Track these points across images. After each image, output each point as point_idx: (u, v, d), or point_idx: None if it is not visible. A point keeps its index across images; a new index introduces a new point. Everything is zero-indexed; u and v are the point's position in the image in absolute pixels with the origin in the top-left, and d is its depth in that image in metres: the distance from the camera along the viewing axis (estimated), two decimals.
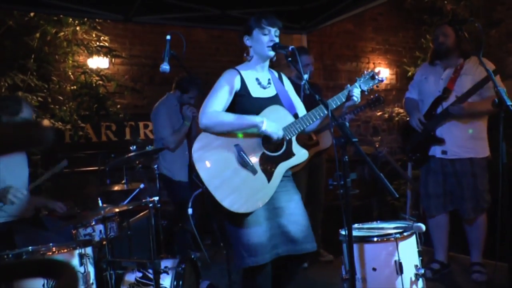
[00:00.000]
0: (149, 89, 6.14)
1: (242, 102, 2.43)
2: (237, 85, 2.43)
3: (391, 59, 8.09)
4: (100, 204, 3.01)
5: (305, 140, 3.94)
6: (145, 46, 6.18)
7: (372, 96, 3.97)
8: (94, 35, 5.52)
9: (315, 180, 4.13)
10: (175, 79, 4.23)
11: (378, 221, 2.85)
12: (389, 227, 2.66)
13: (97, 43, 5.56)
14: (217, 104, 2.37)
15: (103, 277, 2.88)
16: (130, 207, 3.13)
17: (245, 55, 2.51)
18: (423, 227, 2.54)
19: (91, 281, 2.78)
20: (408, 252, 2.48)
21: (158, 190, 3.59)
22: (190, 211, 2.48)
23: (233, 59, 6.24)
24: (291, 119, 2.44)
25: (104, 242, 3.06)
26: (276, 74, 2.61)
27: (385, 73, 7.81)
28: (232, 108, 2.43)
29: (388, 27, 8.09)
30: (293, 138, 2.45)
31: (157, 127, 4.15)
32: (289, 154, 2.43)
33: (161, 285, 2.75)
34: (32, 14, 4.93)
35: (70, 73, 5.47)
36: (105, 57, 5.60)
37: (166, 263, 2.82)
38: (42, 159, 4.87)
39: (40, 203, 3.44)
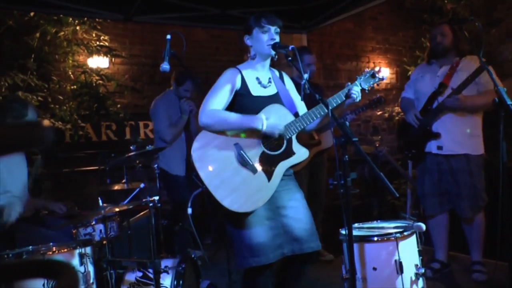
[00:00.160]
0: (149, 89, 6.14)
1: (242, 101, 2.43)
2: (238, 84, 2.43)
3: (391, 58, 8.09)
4: (100, 204, 3.01)
5: (307, 139, 3.94)
6: (145, 46, 6.18)
7: (373, 97, 4.02)
8: (94, 35, 5.53)
9: (316, 179, 4.14)
10: (172, 74, 4.26)
11: (378, 221, 2.85)
12: (389, 226, 2.66)
13: (97, 43, 5.56)
14: (217, 103, 2.37)
15: (103, 277, 2.88)
16: (130, 207, 3.13)
17: (248, 55, 2.51)
18: (423, 226, 2.53)
19: (91, 281, 2.78)
20: (408, 251, 2.48)
21: (158, 190, 3.58)
22: (189, 210, 2.47)
23: (233, 58, 6.24)
24: (291, 118, 2.43)
25: (104, 242, 3.05)
26: (277, 73, 2.60)
27: (385, 72, 7.81)
28: (232, 106, 2.43)
29: (388, 26, 8.09)
30: (294, 137, 2.44)
31: (155, 121, 4.23)
32: (289, 153, 2.42)
33: (161, 285, 2.75)
34: (32, 13, 4.93)
35: (70, 73, 5.48)
36: (105, 57, 5.61)
37: (166, 262, 2.81)
38: (42, 159, 4.87)
39: (40, 204, 3.44)
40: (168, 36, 2.45)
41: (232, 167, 2.32)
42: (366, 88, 2.46)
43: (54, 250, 2.66)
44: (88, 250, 2.80)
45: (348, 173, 2.04)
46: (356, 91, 2.39)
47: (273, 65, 2.58)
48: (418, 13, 7.05)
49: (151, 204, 2.87)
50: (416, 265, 2.49)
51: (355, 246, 2.42)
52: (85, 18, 5.23)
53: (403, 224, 2.66)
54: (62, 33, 5.21)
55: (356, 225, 2.77)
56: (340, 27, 7.54)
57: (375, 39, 8.04)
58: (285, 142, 2.41)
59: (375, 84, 2.50)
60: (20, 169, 3.25)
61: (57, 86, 5.36)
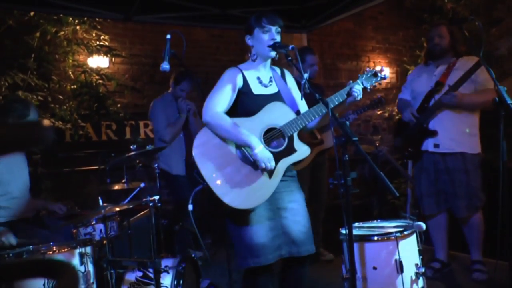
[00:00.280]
0: (149, 88, 6.13)
1: (244, 100, 2.43)
2: (240, 83, 2.43)
3: (391, 58, 8.09)
4: (101, 203, 3.00)
5: (309, 138, 3.95)
6: (145, 45, 6.17)
7: (374, 97, 4.05)
8: (94, 34, 5.52)
9: (318, 179, 4.14)
10: (173, 73, 4.28)
11: (379, 220, 2.85)
12: (390, 226, 2.66)
13: (97, 42, 5.56)
14: (221, 102, 2.37)
15: (104, 277, 2.88)
16: (131, 206, 3.13)
17: (248, 54, 2.50)
18: (424, 226, 2.54)
19: (91, 281, 2.78)
20: (409, 251, 2.48)
21: (158, 189, 3.59)
22: (190, 207, 2.47)
23: (234, 58, 6.24)
24: (292, 115, 2.42)
25: (105, 241, 3.05)
26: (278, 71, 2.60)
27: (385, 72, 7.79)
28: (235, 105, 2.43)
29: (388, 25, 8.08)
30: (295, 134, 2.44)
31: (153, 122, 4.29)
32: (290, 150, 2.41)
33: (161, 284, 2.75)
34: (32, 13, 4.93)
35: (70, 72, 5.47)
36: (105, 56, 5.60)
37: (166, 262, 2.82)
38: (42, 158, 4.88)
39: (40, 204, 3.44)
40: (168, 36, 2.45)
41: (233, 164, 2.32)
42: (368, 87, 2.46)
43: (54, 249, 2.67)
44: (88, 249, 2.81)
45: (348, 173, 2.04)
46: (357, 89, 2.39)
47: (274, 63, 2.58)
48: (418, 13, 7.05)
49: (151, 204, 2.87)
50: (416, 265, 2.49)
51: (355, 245, 2.42)
52: (85, 18, 5.22)
53: (403, 224, 2.66)
54: (62, 32, 5.21)
55: (356, 224, 2.78)
56: (340, 27, 7.54)
57: (375, 38, 8.03)
58: (286, 139, 2.40)
59: (377, 83, 2.50)
60: (20, 169, 3.25)
61: (57, 85, 5.36)
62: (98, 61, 5.60)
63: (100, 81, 5.51)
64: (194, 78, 4.12)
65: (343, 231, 2.46)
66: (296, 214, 2.41)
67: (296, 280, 2.49)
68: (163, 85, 4.59)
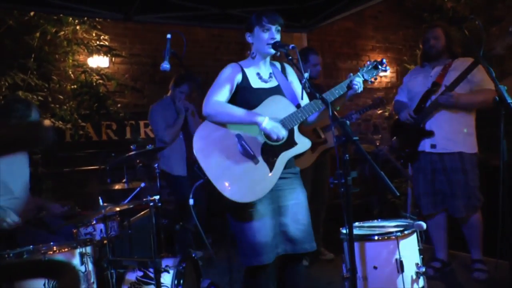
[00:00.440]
0: (149, 88, 6.14)
1: (243, 94, 2.44)
2: (239, 78, 2.45)
3: (391, 57, 8.08)
4: (101, 203, 3.00)
5: (314, 137, 3.95)
6: (145, 45, 6.17)
7: (375, 98, 4.08)
8: (94, 34, 5.52)
9: (320, 178, 4.14)
10: (174, 75, 4.30)
11: (379, 220, 2.85)
12: (390, 225, 2.66)
13: (97, 42, 5.56)
14: (220, 94, 2.39)
15: (104, 276, 2.88)
16: (131, 206, 3.13)
17: (248, 52, 2.51)
18: (424, 225, 2.53)
19: (92, 280, 2.78)
20: (409, 250, 2.48)
21: (158, 189, 3.59)
22: (191, 201, 2.46)
23: (233, 57, 6.17)
24: (293, 108, 2.42)
25: (105, 241, 3.05)
26: (279, 67, 2.61)
27: (386, 64, 7.79)
28: (234, 100, 2.44)
29: (388, 25, 8.08)
30: (296, 128, 2.43)
31: (152, 124, 4.34)
32: (291, 143, 2.41)
33: (162, 284, 2.75)
34: (32, 13, 4.93)
35: (70, 72, 5.47)
36: (105, 56, 5.61)
37: (167, 262, 2.81)
38: (43, 158, 4.88)
39: (38, 203, 3.44)
40: (168, 36, 2.45)
41: (233, 157, 2.32)
42: (369, 79, 2.44)
43: (54, 249, 2.66)
44: (88, 249, 2.80)
45: (348, 172, 2.03)
46: (358, 81, 2.37)
47: (275, 58, 2.57)
48: (418, 12, 7.05)
49: (151, 204, 2.87)
50: (417, 264, 2.49)
51: (356, 245, 2.42)
52: (85, 18, 5.23)
53: (404, 223, 2.66)
54: (62, 32, 5.21)
55: (356, 224, 2.77)
56: (340, 26, 7.53)
57: (375, 38, 8.03)
58: (286, 132, 2.40)
59: (375, 79, 2.48)
60: (21, 169, 3.25)
61: (57, 85, 5.36)
62: (98, 61, 5.61)
63: (100, 81, 5.52)
64: (194, 79, 4.13)
65: (344, 231, 2.47)
66: (297, 213, 2.42)
67: (294, 278, 2.50)
68: (163, 85, 4.59)
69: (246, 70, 2.47)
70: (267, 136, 2.35)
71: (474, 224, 3.42)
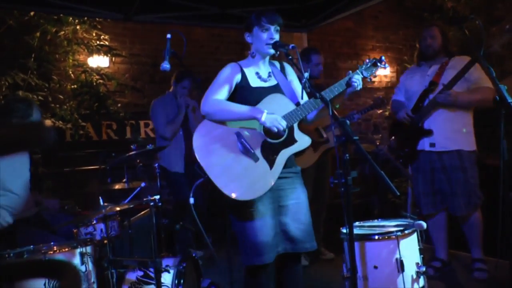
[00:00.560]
0: (149, 88, 6.14)
1: (242, 93, 2.45)
2: (238, 77, 2.45)
3: (391, 57, 8.08)
4: (101, 203, 3.00)
5: (316, 137, 3.95)
6: (145, 45, 6.17)
7: (376, 98, 4.10)
8: (94, 34, 5.52)
9: (321, 178, 4.14)
10: (174, 73, 4.30)
11: (379, 219, 2.85)
12: (390, 225, 2.67)
13: (97, 42, 5.56)
14: (218, 93, 2.39)
15: (105, 276, 2.88)
16: (131, 206, 3.13)
17: (248, 51, 2.52)
18: (424, 225, 2.54)
19: (92, 280, 2.78)
20: (409, 250, 2.48)
21: (159, 189, 3.59)
22: (191, 200, 2.46)
23: (233, 57, 6.17)
24: (292, 106, 2.42)
25: (105, 241, 3.05)
26: (278, 66, 2.61)
27: (385, 71, 7.80)
28: (233, 99, 2.44)
29: (389, 25, 8.08)
30: (295, 125, 2.43)
31: (154, 121, 4.35)
32: (291, 141, 2.41)
33: (162, 284, 2.75)
34: (32, 13, 4.93)
35: (70, 72, 5.47)
36: (105, 56, 5.61)
37: (167, 261, 2.81)
38: (43, 158, 4.88)
39: (36, 198, 3.45)
40: (168, 35, 2.45)
41: (233, 155, 2.32)
42: (368, 77, 2.44)
43: (55, 249, 2.66)
44: (89, 249, 2.80)
45: (349, 172, 2.04)
46: (357, 79, 2.37)
47: (274, 58, 2.57)
48: (418, 12, 7.04)
49: (152, 203, 2.87)
50: (417, 264, 2.49)
51: (356, 244, 2.42)
52: (85, 18, 5.22)
53: (404, 223, 2.66)
54: (62, 32, 5.21)
55: (357, 223, 2.77)
56: (340, 26, 7.53)
57: (375, 37, 8.03)
58: (286, 130, 2.40)
59: (374, 76, 2.48)
60: (22, 169, 3.25)
61: (57, 85, 5.36)
62: (98, 61, 5.61)
63: (101, 80, 5.52)
64: (194, 77, 4.13)
65: (344, 230, 2.47)
66: (298, 212, 2.42)
67: (293, 278, 2.50)
68: (163, 85, 4.60)
69: (245, 69, 2.48)
70: (267, 131, 2.35)
71: (475, 223, 3.42)
